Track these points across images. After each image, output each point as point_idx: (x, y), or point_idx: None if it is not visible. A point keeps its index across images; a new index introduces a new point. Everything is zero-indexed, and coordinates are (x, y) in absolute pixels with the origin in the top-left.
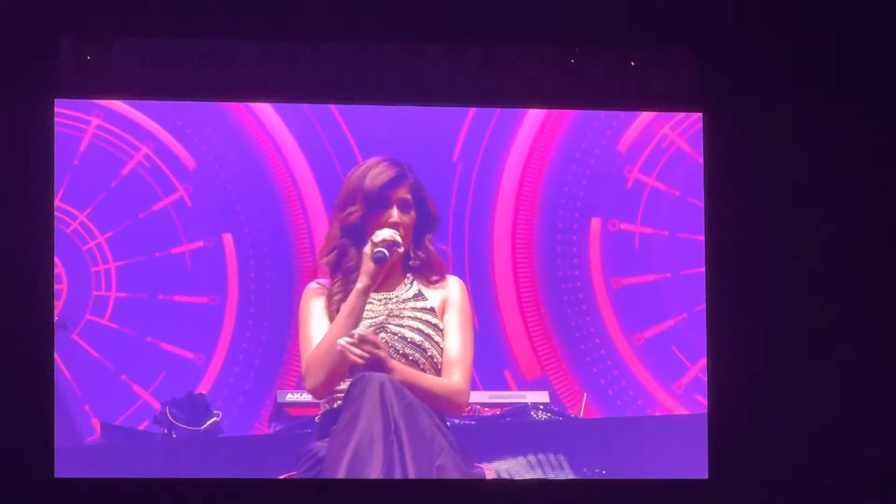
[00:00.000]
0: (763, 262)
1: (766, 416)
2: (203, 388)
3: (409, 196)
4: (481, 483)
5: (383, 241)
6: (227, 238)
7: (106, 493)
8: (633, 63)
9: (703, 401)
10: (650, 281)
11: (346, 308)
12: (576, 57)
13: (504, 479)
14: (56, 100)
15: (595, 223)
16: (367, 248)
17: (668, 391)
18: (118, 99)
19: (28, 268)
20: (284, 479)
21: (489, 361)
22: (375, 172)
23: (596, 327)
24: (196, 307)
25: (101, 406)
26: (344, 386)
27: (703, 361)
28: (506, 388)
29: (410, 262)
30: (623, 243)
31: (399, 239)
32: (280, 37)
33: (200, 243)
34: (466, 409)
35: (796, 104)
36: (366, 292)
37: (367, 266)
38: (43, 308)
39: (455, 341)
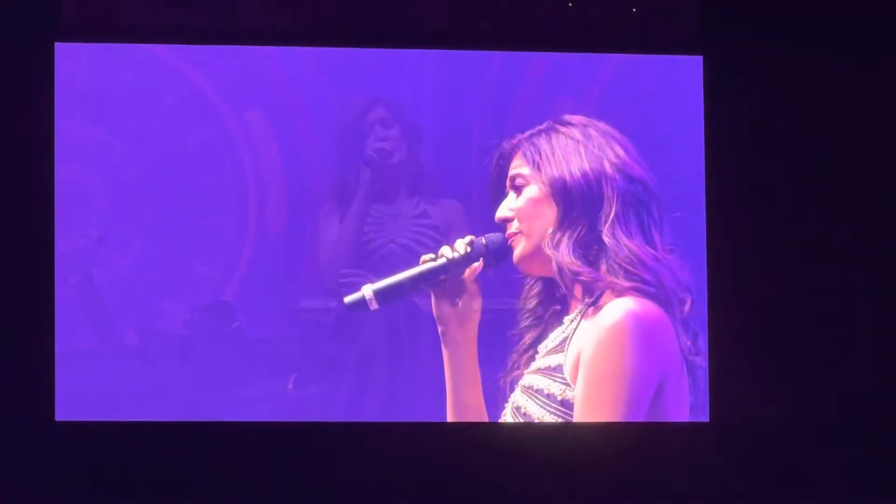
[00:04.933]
0: (763, 203)
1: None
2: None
3: (385, 114)
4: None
5: (374, 148)
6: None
7: (106, 437)
8: (634, 10)
9: None
10: None
11: (350, 213)
12: (574, 1)
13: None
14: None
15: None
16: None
17: None
18: (120, 42)
19: (28, 207)
20: (298, 423)
21: None
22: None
23: None
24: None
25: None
26: None
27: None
28: None
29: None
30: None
31: (389, 148)
32: None
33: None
34: None
35: (798, 49)
36: (365, 198)
37: (364, 174)
38: (44, 248)
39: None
